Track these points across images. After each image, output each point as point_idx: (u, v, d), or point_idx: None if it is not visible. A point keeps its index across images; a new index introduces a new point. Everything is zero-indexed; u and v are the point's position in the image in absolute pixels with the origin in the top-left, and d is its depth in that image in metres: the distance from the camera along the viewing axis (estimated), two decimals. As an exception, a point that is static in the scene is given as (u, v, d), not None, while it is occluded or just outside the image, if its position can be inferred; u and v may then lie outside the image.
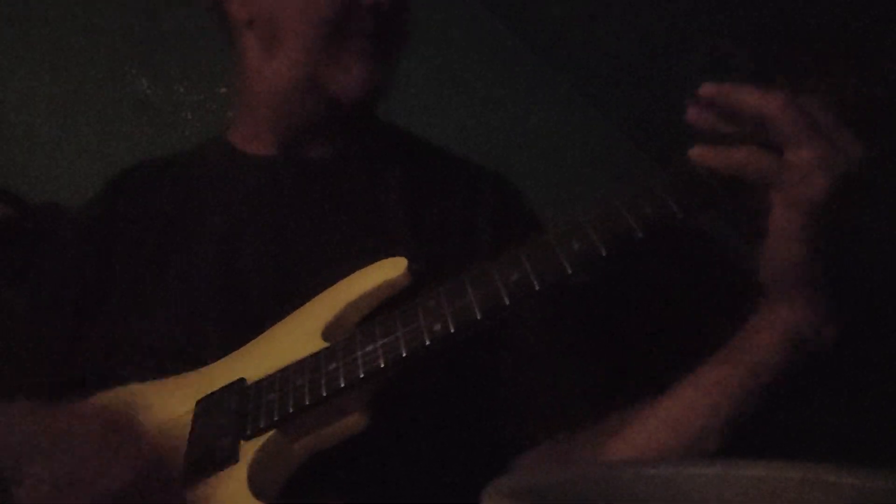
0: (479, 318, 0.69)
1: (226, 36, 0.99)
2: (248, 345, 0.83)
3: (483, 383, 0.87)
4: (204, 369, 0.84)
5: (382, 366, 0.71)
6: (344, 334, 0.77)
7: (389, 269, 0.79)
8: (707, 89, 0.64)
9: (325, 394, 0.72)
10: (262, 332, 0.84)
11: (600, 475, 0.44)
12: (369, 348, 0.73)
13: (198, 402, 0.81)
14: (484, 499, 0.40)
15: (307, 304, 0.82)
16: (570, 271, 0.66)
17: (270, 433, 0.74)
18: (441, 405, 0.84)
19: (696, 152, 0.64)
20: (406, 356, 0.70)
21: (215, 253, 0.91)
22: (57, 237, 1.03)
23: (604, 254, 0.65)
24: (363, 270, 0.81)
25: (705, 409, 0.70)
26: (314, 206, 0.93)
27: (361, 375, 0.71)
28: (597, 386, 0.85)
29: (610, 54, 1.85)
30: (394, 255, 0.81)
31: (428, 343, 0.70)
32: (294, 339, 0.80)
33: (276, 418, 0.73)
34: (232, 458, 0.73)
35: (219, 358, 0.84)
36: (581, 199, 0.69)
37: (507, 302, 0.68)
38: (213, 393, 0.81)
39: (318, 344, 0.77)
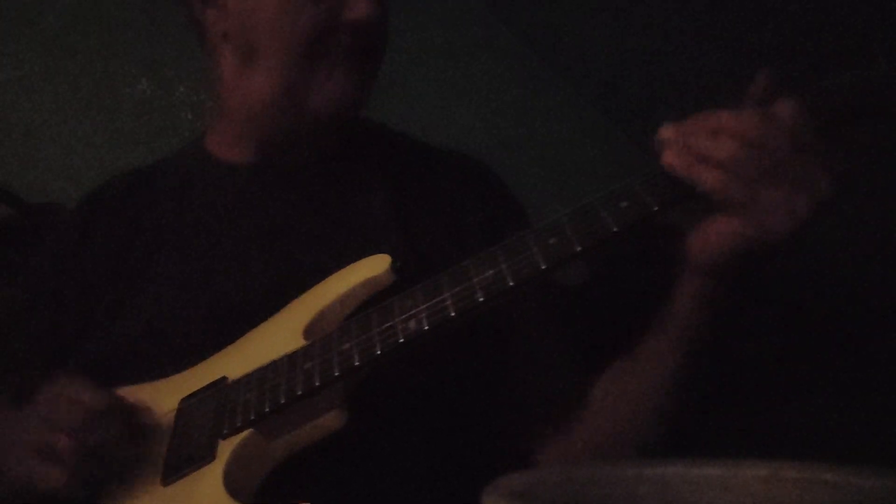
0: (452, 314, 0.68)
1: (204, 46, 0.98)
2: (234, 344, 0.83)
3: (475, 382, 0.86)
4: (190, 370, 0.84)
5: (357, 364, 0.70)
6: (326, 332, 0.77)
7: (372, 267, 0.79)
8: (665, 132, 0.67)
9: (300, 392, 0.72)
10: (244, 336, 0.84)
11: (600, 475, 0.44)
12: (345, 346, 0.72)
13: (181, 401, 0.81)
14: (484, 499, 0.40)
15: (292, 303, 0.82)
16: (544, 266, 0.66)
17: (247, 432, 0.74)
18: (432, 404, 0.83)
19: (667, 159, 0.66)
20: (381, 354, 0.70)
21: (197, 261, 0.91)
22: (37, 250, 1.03)
23: (578, 249, 0.65)
24: (346, 268, 0.81)
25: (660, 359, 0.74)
26: (295, 211, 0.93)
27: (336, 374, 0.71)
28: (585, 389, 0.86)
29: (610, 54, 1.85)
30: (377, 252, 0.80)
31: (402, 341, 0.69)
32: (276, 337, 0.80)
33: (252, 417, 0.73)
34: (208, 456, 0.73)
35: (200, 362, 0.84)
36: (580, 198, 0.70)
37: (482, 298, 0.68)
38: (195, 392, 0.81)
39: (299, 342, 0.77)
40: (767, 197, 0.62)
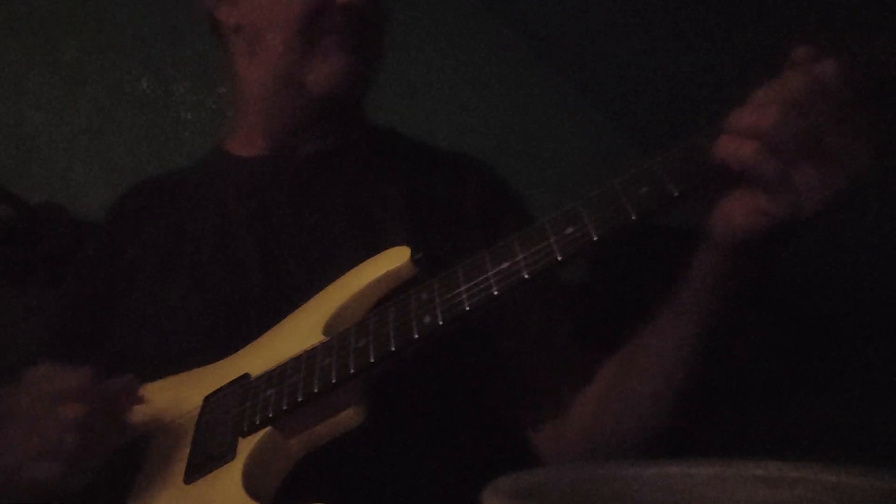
0: (467, 309, 0.67)
1: (220, 44, 1.02)
2: (257, 340, 0.83)
3: (485, 381, 0.87)
4: (214, 365, 0.84)
5: (372, 360, 0.70)
6: (346, 328, 0.77)
7: (392, 260, 0.78)
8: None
9: (316, 390, 0.71)
10: (264, 331, 0.84)
11: (600, 475, 0.44)
12: (361, 343, 0.72)
13: (205, 398, 0.81)
14: (484, 499, 0.40)
15: (313, 298, 0.82)
16: (560, 258, 0.64)
17: (266, 430, 0.73)
18: (441, 402, 0.83)
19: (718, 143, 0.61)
20: (395, 350, 0.69)
21: (215, 257, 0.92)
22: (77, 255, 1.05)
23: (595, 238, 0.63)
24: (366, 262, 0.80)
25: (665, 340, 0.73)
26: (307, 203, 0.94)
27: (352, 371, 0.71)
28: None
29: (609, 53, 1.85)
30: (389, 246, 0.80)
31: (416, 336, 0.69)
32: (298, 333, 0.80)
33: (270, 415, 0.73)
34: (229, 454, 0.73)
35: (223, 357, 0.84)
36: (580, 197, 0.68)
37: (497, 292, 0.66)
38: (219, 389, 0.81)
39: (319, 338, 0.77)
40: (802, 175, 0.57)
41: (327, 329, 0.78)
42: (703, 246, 0.67)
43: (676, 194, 0.61)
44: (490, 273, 0.68)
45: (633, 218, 0.62)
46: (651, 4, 1.62)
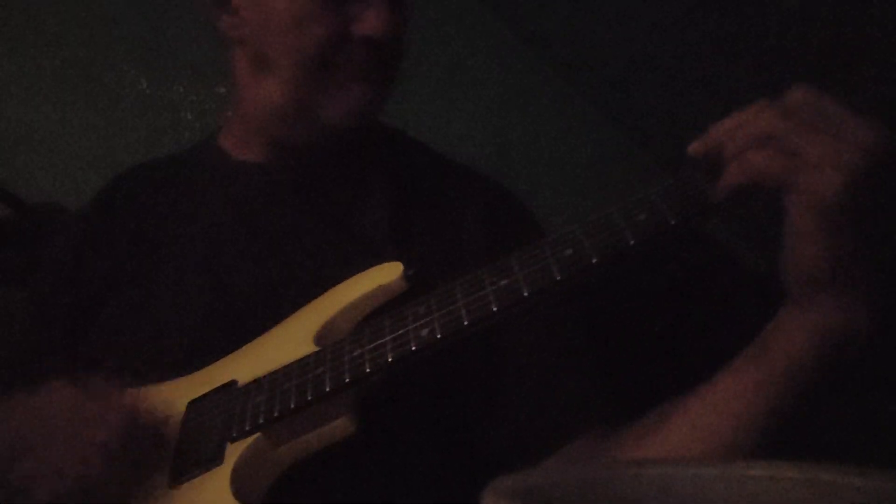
0: (466, 323, 0.68)
1: (222, 43, 0.98)
2: (244, 347, 0.83)
3: (481, 389, 0.86)
4: (199, 372, 0.84)
5: (368, 371, 0.70)
6: (337, 338, 0.77)
7: (385, 274, 0.79)
8: (698, 146, 0.64)
9: (310, 398, 0.72)
10: (251, 337, 0.84)
11: (600, 475, 0.44)
12: (356, 353, 0.72)
13: (189, 404, 0.81)
14: (483, 499, 0.40)
15: (303, 307, 0.82)
16: (559, 277, 0.66)
17: (256, 436, 0.74)
18: (435, 411, 0.83)
19: (719, 186, 0.62)
20: (392, 362, 0.70)
21: (205, 258, 0.91)
22: (51, 245, 1.03)
23: (594, 261, 0.65)
24: (359, 275, 0.81)
25: (740, 411, 0.66)
26: (303, 212, 0.93)
27: (347, 380, 0.71)
28: (597, 390, 0.84)
29: (616, 58, 1.85)
30: (380, 262, 0.80)
31: (414, 349, 0.69)
32: (287, 342, 0.80)
33: (261, 421, 0.73)
34: (216, 459, 0.74)
35: (207, 363, 0.84)
36: (586, 205, 0.69)
37: (495, 308, 0.67)
38: (204, 395, 0.81)
39: (310, 348, 0.77)
40: (814, 150, 0.57)
41: (318, 339, 0.78)
42: (785, 308, 0.64)
43: (673, 222, 0.63)
44: (489, 289, 0.69)
45: (632, 243, 0.64)
46: (653, 5, 1.62)
